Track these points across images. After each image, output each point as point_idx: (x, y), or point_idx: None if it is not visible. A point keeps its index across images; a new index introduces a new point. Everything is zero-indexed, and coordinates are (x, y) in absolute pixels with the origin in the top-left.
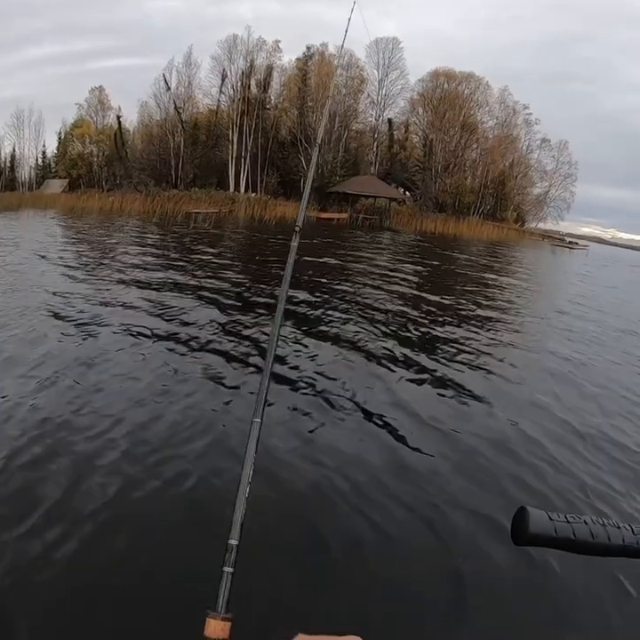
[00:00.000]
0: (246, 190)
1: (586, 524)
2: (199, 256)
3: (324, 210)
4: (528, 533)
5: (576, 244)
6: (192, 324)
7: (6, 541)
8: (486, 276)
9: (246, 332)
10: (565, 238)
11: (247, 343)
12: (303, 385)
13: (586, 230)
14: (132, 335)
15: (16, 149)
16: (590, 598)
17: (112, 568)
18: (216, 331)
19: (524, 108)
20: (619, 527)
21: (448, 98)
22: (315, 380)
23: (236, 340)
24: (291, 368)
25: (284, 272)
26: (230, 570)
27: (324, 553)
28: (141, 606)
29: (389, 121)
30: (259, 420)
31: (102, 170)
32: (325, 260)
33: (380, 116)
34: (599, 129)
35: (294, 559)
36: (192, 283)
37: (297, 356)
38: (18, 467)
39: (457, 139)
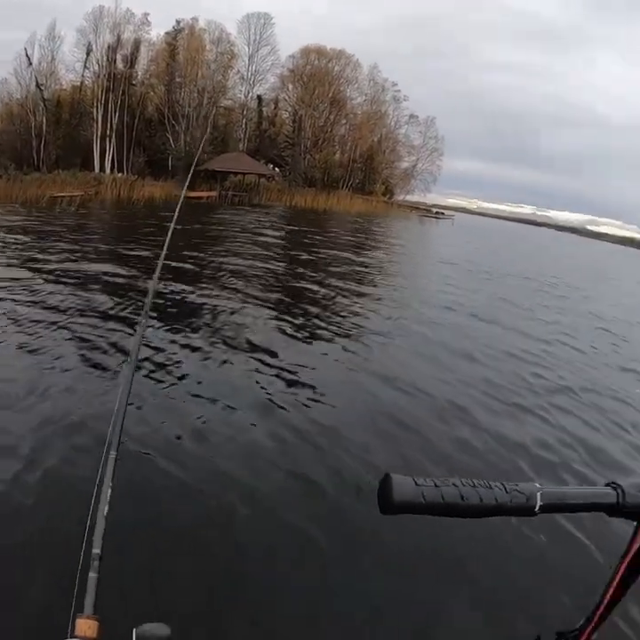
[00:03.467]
0: (112, 171)
1: (455, 486)
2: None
3: (193, 188)
4: (393, 501)
5: (442, 214)
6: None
7: None
8: (363, 241)
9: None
10: (432, 209)
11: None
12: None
13: (452, 201)
14: None
15: None
16: (471, 556)
17: None
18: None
19: (392, 85)
20: (491, 487)
21: (318, 74)
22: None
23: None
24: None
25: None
26: (94, 575)
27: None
28: (8, 609)
29: (259, 97)
30: (114, 454)
31: None
32: (196, 242)
33: (249, 93)
34: (462, 105)
35: (154, 562)
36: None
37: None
38: None
39: (326, 114)
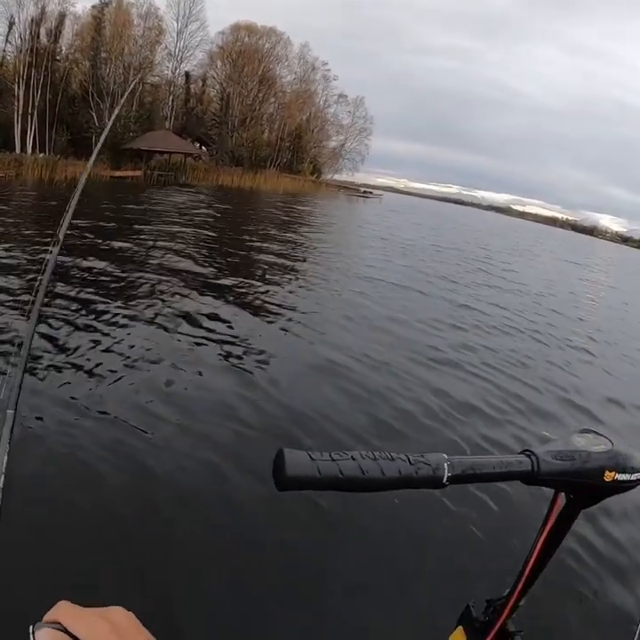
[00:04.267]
0: (34, 150)
1: (354, 459)
2: None
3: (118, 168)
4: (286, 477)
5: (370, 193)
6: None
7: None
8: (293, 219)
9: None
10: (360, 189)
11: None
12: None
13: (381, 180)
14: None
15: None
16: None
17: None
18: None
19: (323, 65)
20: (393, 459)
21: (248, 51)
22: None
23: None
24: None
25: (39, 283)
26: None
27: (91, 542)
28: None
29: (186, 74)
30: (12, 411)
31: None
32: (118, 225)
33: (176, 69)
34: (394, 86)
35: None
36: None
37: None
38: None
39: (255, 93)
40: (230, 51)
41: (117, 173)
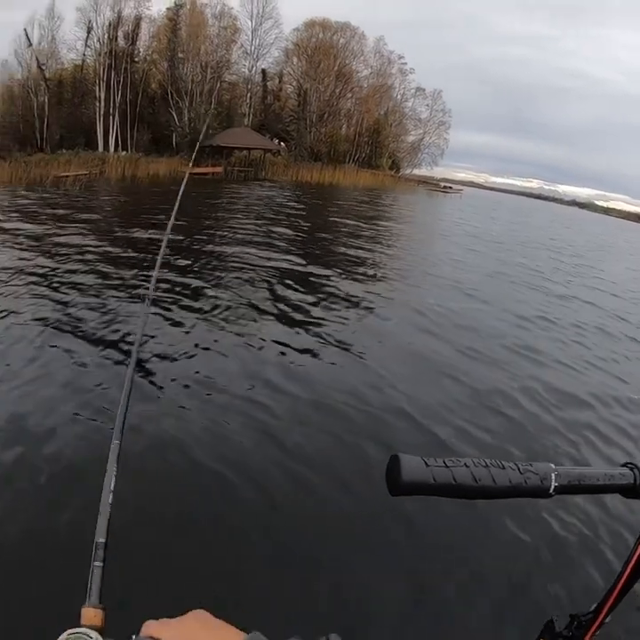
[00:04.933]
0: (116, 149)
1: (467, 467)
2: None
3: (198, 164)
4: (402, 482)
5: (450, 188)
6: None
7: None
8: (379, 213)
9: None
10: (440, 183)
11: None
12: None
13: (461, 175)
14: None
15: None
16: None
17: None
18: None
19: (399, 58)
20: (503, 467)
21: (323, 47)
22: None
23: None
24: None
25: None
26: (99, 564)
27: (188, 544)
28: (17, 601)
29: (263, 71)
30: (118, 442)
31: None
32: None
33: (253, 67)
34: (471, 78)
35: (158, 552)
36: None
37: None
38: None
39: (331, 88)
40: (305, 47)
41: (198, 170)
